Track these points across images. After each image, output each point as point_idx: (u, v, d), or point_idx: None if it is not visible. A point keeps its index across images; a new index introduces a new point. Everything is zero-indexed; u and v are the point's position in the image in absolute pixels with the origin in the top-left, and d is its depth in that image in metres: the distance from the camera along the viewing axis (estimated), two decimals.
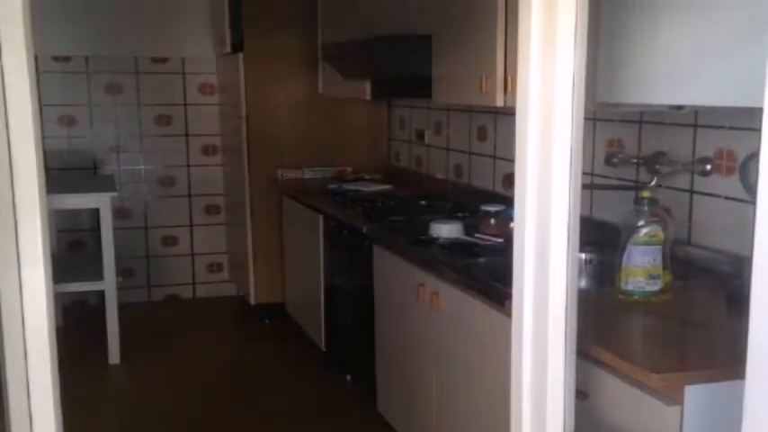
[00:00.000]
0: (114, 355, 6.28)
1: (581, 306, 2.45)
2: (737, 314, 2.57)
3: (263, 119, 6.94)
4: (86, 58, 7.48)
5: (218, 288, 8.17)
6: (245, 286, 7.31)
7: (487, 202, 4.64)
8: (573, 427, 2.45)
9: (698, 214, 3.66)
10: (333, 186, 6.42)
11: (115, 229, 6.24)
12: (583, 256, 3.49)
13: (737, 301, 2.86)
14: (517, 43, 2.46)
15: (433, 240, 4.33)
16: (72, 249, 7.62)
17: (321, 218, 5.86)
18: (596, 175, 4.25)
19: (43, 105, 7.08)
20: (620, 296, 3.15)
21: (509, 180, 5.10)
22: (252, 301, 7.22)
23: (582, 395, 2.64)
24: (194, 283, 8.14)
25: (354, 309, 5.30)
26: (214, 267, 8.16)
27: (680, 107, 3.34)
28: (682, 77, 2.89)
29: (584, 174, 2.43)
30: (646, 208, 3.22)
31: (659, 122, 3.84)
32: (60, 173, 7.18)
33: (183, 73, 7.78)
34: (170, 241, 7.99)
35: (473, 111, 5.60)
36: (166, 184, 7.88)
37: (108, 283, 6.13)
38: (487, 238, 4.29)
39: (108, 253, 6.10)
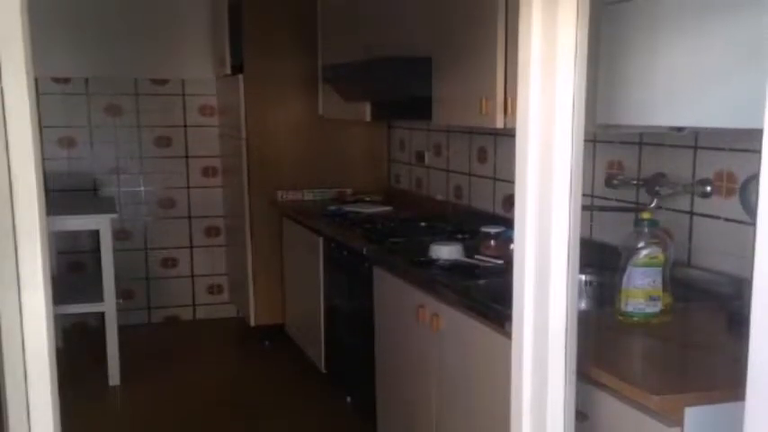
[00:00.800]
0: (114, 377, 6.27)
1: (581, 327, 2.45)
2: (737, 336, 2.57)
3: (264, 140, 6.95)
4: (86, 80, 7.50)
5: (218, 310, 8.16)
6: (245, 308, 7.30)
7: (487, 224, 4.64)
8: None
9: (698, 236, 3.66)
10: (333, 208, 6.42)
11: (115, 250, 6.24)
12: (583, 277, 3.49)
13: (737, 322, 2.86)
14: (517, 65, 2.47)
15: (433, 262, 4.33)
16: (72, 271, 7.61)
17: (321, 239, 5.86)
18: (596, 197, 4.26)
19: (43, 127, 7.10)
20: (619, 318, 3.14)
21: (509, 201, 5.10)
22: (252, 322, 7.21)
23: (582, 416, 2.64)
24: (194, 305, 8.13)
25: (354, 330, 5.30)
26: (214, 289, 8.16)
27: (680, 129, 3.34)
28: (681, 99, 2.89)
29: (584, 195, 2.43)
30: (646, 229, 3.22)
31: (659, 144, 3.85)
32: (60, 194, 7.19)
33: (183, 94, 7.79)
34: (170, 263, 7.98)
35: (473, 132, 5.61)
36: (166, 205, 7.88)
37: (108, 305, 6.13)
38: (487, 259, 4.29)
39: (108, 275, 6.10)
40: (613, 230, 3.98)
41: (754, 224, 1.68)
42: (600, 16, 3.11)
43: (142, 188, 7.80)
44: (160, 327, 7.97)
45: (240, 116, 6.92)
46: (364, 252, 4.95)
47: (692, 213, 3.68)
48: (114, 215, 6.22)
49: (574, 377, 2.45)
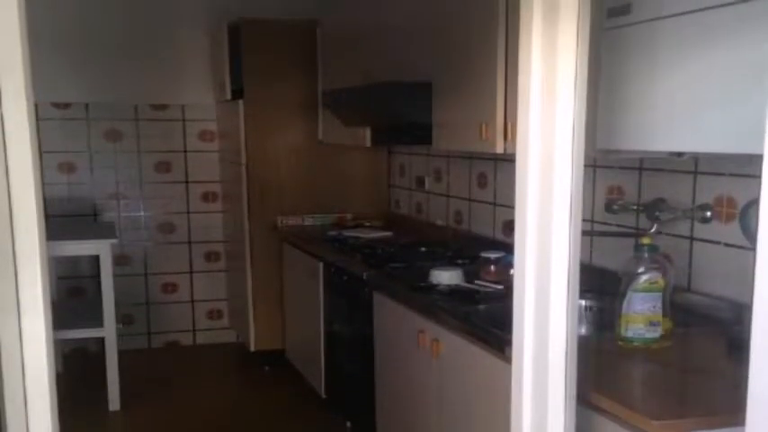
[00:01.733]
0: (114, 402, 6.26)
1: (581, 352, 2.45)
2: (737, 361, 2.57)
3: (263, 166, 6.95)
4: (86, 105, 7.51)
5: (218, 335, 8.15)
6: (245, 333, 7.29)
7: (488, 249, 4.64)
8: None
9: (698, 261, 3.66)
10: (333, 233, 6.42)
11: (115, 275, 6.23)
12: (583, 302, 3.48)
13: (737, 347, 2.86)
14: (517, 90, 2.48)
15: (433, 287, 4.33)
16: (72, 296, 7.61)
17: (321, 264, 5.86)
18: (596, 222, 4.26)
19: (43, 152, 7.10)
20: (620, 343, 3.14)
21: (509, 227, 5.10)
22: (252, 347, 7.19)
23: None
24: (194, 330, 8.12)
25: (354, 355, 5.29)
26: (214, 314, 8.15)
27: (680, 154, 3.34)
28: (681, 124, 2.90)
29: (583, 220, 2.43)
30: (646, 255, 3.22)
31: (659, 169, 3.85)
32: (60, 220, 7.19)
33: (183, 120, 7.80)
34: (170, 288, 7.98)
35: (473, 157, 5.61)
36: (166, 230, 7.88)
37: (108, 330, 6.12)
38: (487, 284, 4.28)
39: (108, 300, 6.09)
40: (613, 256, 3.98)
41: (754, 249, 1.69)
42: (599, 41, 3.12)
43: (142, 213, 7.80)
44: (160, 352, 7.96)
45: (240, 141, 6.93)
46: (364, 277, 4.95)
47: (692, 238, 3.68)
48: (114, 240, 6.22)
49: (574, 402, 2.45)
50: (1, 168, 2.15)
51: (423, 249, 5.54)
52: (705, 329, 3.42)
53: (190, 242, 7.97)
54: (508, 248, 3.67)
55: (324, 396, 6.03)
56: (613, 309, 3.21)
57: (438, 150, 5.84)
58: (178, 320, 8.06)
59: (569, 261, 2.36)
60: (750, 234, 3.16)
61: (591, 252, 4.28)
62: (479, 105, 4.30)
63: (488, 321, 3.60)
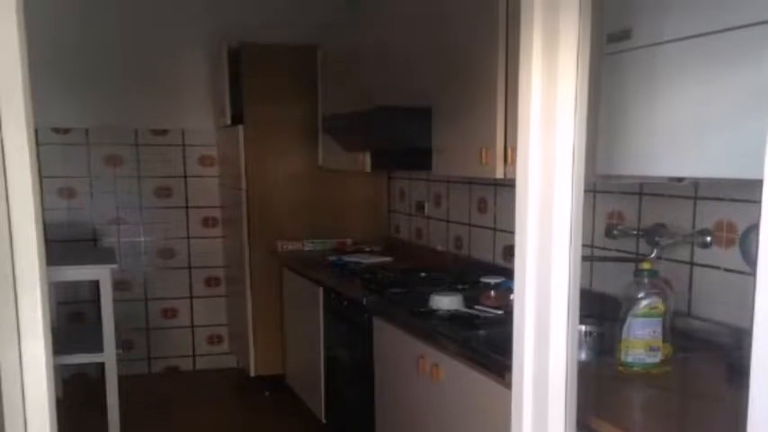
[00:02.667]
0: (114, 428, 6.23)
1: (581, 378, 2.45)
2: (738, 386, 2.57)
3: (263, 191, 6.96)
4: (86, 130, 7.52)
5: (218, 360, 8.14)
6: (245, 358, 7.28)
7: (487, 274, 4.64)
8: None
9: (698, 286, 3.66)
10: (333, 258, 6.42)
11: (115, 300, 6.22)
12: (583, 328, 3.47)
13: (738, 372, 2.86)
14: (517, 115, 2.48)
15: (433, 312, 4.32)
16: (72, 321, 7.60)
17: (321, 290, 5.86)
18: (596, 247, 4.26)
19: (43, 177, 7.12)
20: (620, 368, 3.14)
21: (509, 252, 5.10)
22: (252, 372, 7.19)
23: None
24: (194, 355, 8.12)
25: (354, 380, 5.28)
26: (214, 339, 8.15)
27: (680, 179, 3.35)
28: (681, 150, 2.90)
29: (583, 246, 2.43)
30: (646, 280, 3.22)
31: (659, 194, 3.86)
32: (60, 245, 7.19)
33: (183, 145, 7.81)
34: (170, 313, 7.97)
35: (473, 183, 5.62)
36: (166, 255, 7.89)
37: (108, 355, 6.11)
38: (487, 309, 4.28)
39: (108, 325, 6.08)
40: (613, 281, 3.97)
41: (754, 275, 1.69)
42: (600, 66, 3.12)
43: (142, 238, 7.80)
44: (160, 377, 7.95)
45: (240, 166, 6.94)
46: (364, 302, 4.94)
47: (692, 263, 3.68)
48: (114, 265, 6.20)
49: (574, 428, 2.44)
50: (1, 193, 2.15)
51: (422, 274, 5.54)
52: (705, 354, 3.41)
53: (190, 267, 7.97)
54: (508, 274, 3.67)
55: (324, 421, 6.02)
56: (613, 334, 3.20)
57: (438, 175, 5.84)
58: (178, 345, 8.05)
59: (569, 286, 2.35)
60: (750, 259, 3.16)
61: (591, 277, 4.28)
62: (479, 130, 4.30)
63: (488, 346, 3.59)
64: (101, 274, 6.07)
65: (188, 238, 7.93)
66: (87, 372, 7.53)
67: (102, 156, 7.61)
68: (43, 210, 2.37)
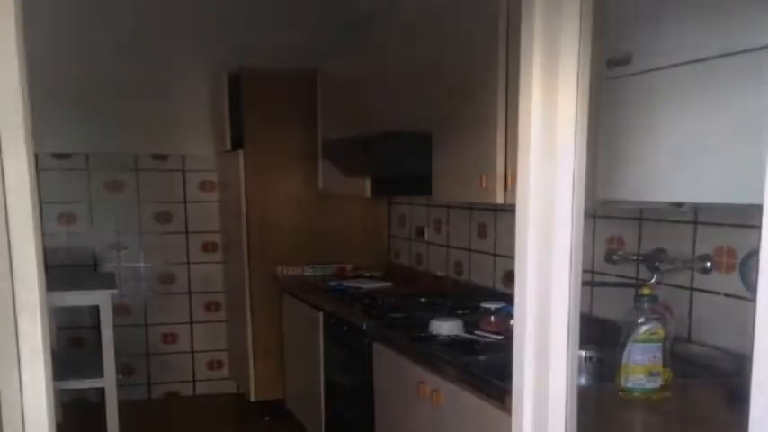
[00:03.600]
0: None
1: (581, 403, 2.45)
2: (737, 412, 2.56)
3: (263, 216, 6.96)
4: (87, 156, 7.53)
5: (218, 385, 8.13)
6: (246, 383, 7.27)
7: (487, 299, 4.64)
8: None
9: (697, 312, 3.66)
10: (333, 283, 6.42)
11: (115, 325, 6.21)
12: (582, 353, 3.47)
13: (738, 398, 2.85)
14: (517, 140, 2.48)
15: (434, 337, 4.32)
16: (72, 346, 7.59)
17: (321, 315, 5.85)
18: (596, 272, 4.26)
19: (43, 203, 7.11)
20: (620, 393, 3.14)
21: (509, 277, 5.10)
22: (252, 397, 7.18)
23: None
24: (194, 381, 8.10)
25: (355, 405, 5.27)
26: (214, 364, 8.13)
27: (680, 204, 3.36)
28: (681, 175, 2.90)
29: (583, 271, 2.43)
30: (645, 305, 3.22)
31: (659, 220, 3.86)
32: (60, 270, 7.19)
33: (183, 170, 7.82)
34: (170, 338, 7.96)
35: (473, 208, 5.62)
36: (167, 281, 7.89)
37: (108, 380, 6.10)
38: (487, 335, 4.28)
39: (108, 350, 6.07)
40: (613, 306, 3.97)
41: (754, 300, 1.69)
42: (600, 91, 3.13)
43: (142, 263, 7.80)
44: (160, 402, 7.94)
45: (240, 192, 6.94)
46: (364, 328, 4.94)
47: (691, 289, 3.68)
48: (114, 291, 6.20)
49: None
50: (1, 219, 2.15)
51: (422, 300, 5.54)
52: (705, 380, 3.41)
53: (190, 292, 7.96)
54: (508, 299, 3.68)
55: None
56: (614, 359, 3.20)
57: (438, 200, 5.84)
58: (178, 371, 8.04)
59: (569, 311, 2.36)
60: (750, 285, 3.16)
61: (591, 302, 4.28)
62: (479, 155, 4.31)
63: (488, 372, 3.59)
64: (101, 299, 6.06)
65: (188, 263, 7.93)
66: (87, 396, 7.52)
67: (103, 181, 7.62)
68: (43, 235, 2.37)
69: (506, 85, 4.08)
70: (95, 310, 6.29)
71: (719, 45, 2.68)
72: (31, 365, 2.21)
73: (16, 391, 2.21)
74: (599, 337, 3.68)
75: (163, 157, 7.76)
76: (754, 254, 2.55)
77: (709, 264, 3.55)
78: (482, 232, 5.54)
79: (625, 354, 3.11)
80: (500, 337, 4.19)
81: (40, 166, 6.60)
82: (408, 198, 6.80)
